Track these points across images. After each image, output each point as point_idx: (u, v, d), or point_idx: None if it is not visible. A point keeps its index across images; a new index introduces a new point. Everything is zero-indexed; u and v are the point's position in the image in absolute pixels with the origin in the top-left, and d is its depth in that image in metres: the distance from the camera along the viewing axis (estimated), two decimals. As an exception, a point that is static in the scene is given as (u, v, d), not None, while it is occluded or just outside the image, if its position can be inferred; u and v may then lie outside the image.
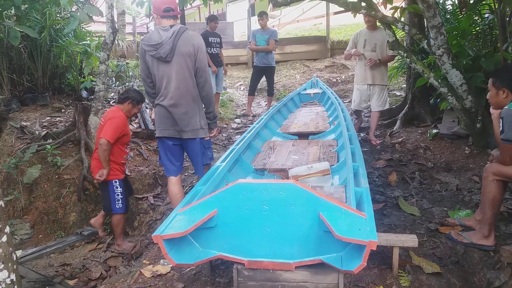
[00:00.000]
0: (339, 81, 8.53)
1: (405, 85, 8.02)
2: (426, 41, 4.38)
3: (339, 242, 2.01)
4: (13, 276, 1.85)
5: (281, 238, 2.09)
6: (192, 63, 2.99)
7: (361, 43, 5.36)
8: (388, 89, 7.98)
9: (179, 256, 2.06)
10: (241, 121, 7.30)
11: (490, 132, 4.40)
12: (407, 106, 6.27)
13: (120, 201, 3.97)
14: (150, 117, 6.57)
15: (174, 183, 3.23)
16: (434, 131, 5.33)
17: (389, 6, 5.03)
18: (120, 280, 2.66)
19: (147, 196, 5.07)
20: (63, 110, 6.91)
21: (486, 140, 4.51)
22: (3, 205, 1.82)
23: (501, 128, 2.51)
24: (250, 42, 7.56)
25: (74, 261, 4.10)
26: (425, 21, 4.23)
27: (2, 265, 1.81)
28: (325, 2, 15.03)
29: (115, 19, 5.31)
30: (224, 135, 6.48)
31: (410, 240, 2.37)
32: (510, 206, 3.14)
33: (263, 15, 7.23)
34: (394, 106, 6.71)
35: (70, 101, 7.16)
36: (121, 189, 4.01)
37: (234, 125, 7.04)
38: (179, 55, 2.94)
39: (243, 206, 2.10)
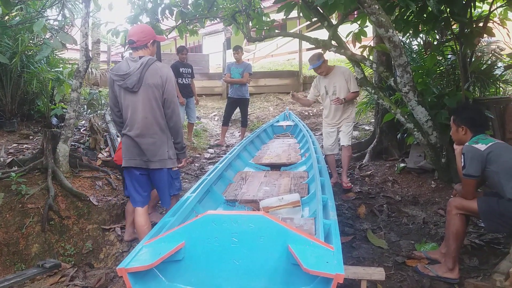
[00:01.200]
0: (311, 114, 8.72)
1: (373, 120, 8.31)
2: (393, 78, 4.58)
3: (308, 275, 2.00)
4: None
5: (250, 272, 2.07)
6: (160, 94, 2.98)
7: (322, 90, 5.20)
8: (357, 123, 8.27)
9: (146, 291, 2.00)
10: (214, 151, 7.30)
11: (454, 166, 4.57)
12: (375, 140, 6.46)
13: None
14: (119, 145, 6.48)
15: (140, 214, 3.16)
16: (402, 165, 5.49)
17: (357, 44, 5.25)
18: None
19: (114, 227, 4.93)
20: (31, 137, 6.74)
21: (451, 175, 4.67)
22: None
23: (462, 164, 2.62)
24: (225, 74, 7.69)
25: (34, 296, 3.90)
26: (392, 59, 4.44)
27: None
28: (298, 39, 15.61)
29: (90, 47, 5.30)
30: (196, 165, 6.45)
31: (377, 273, 2.40)
32: (473, 240, 3.23)
33: (238, 49, 7.40)
34: (363, 140, 6.89)
35: (39, 128, 7.01)
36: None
37: (207, 155, 7.03)
38: (146, 86, 2.94)
39: (212, 238, 2.08)
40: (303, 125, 6.80)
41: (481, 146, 2.58)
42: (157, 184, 3.16)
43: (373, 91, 4.79)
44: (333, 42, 4.78)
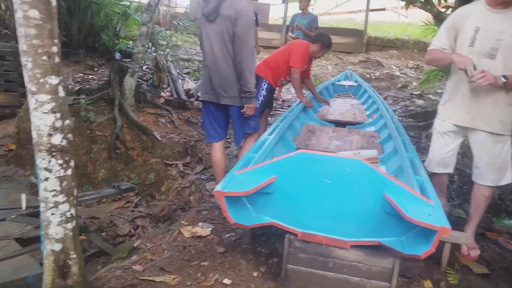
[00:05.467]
0: (373, 77, 8.39)
1: (440, 90, 7.89)
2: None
3: (401, 226, 1.96)
4: (73, 211, 1.83)
5: (340, 214, 2.04)
6: (231, 28, 2.81)
7: (467, 36, 2.44)
8: (422, 92, 7.89)
9: (237, 216, 2.02)
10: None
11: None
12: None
13: (259, 102, 4.00)
14: (182, 87, 6.53)
15: (216, 149, 3.18)
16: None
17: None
18: (159, 237, 2.65)
19: (177, 164, 5.05)
20: (95, 69, 6.90)
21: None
22: (71, 138, 1.78)
23: None
24: (291, 26, 7.42)
25: (101, 216, 4.12)
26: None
27: (65, 198, 1.78)
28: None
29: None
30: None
31: (463, 237, 2.31)
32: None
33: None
34: (430, 109, 6.58)
35: (103, 61, 7.15)
36: (265, 92, 4.16)
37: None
38: (221, 17, 2.83)
39: (304, 176, 2.05)
40: (368, 86, 6.56)
41: None
42: (232, 120, 3.15)
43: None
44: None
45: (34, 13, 1.55)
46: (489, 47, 2.36)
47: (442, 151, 2.69)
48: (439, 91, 7.86)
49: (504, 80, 2.26)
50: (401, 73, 8.63)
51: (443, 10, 4.89)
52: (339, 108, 5.49)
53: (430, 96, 7.60)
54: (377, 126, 4.40)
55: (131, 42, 7.13)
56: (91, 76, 6.64)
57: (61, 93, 1.70)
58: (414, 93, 7.81)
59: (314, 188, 2.05)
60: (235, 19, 2.77)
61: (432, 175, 2.68)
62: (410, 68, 8.85)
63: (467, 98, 2.48)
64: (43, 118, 1.67)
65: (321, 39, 4.57)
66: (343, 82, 7.03)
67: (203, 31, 3.01)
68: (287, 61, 4.32)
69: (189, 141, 5.38)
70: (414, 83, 8.21)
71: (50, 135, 1.69)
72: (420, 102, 7.44)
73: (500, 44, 2.33)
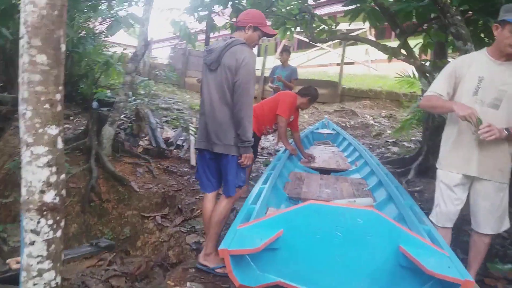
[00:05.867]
0: (348, 126, 8.58)
1: (414, 138, 8.13)
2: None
3: (415, 280, 1.86)
4: (58, 279, 1.62)
5: (351, 270, 1.92)
6: (232, 77, 2.77)
7: (470, 85, 2.45)
8: (397, 140, 8.09)
9: (242, 276, 1.86)
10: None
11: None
12: (421, 157, 6.27)
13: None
14: (161, 135, 6.41)
15: (208, 200, 3.04)
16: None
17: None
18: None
19: (154, 216, 4.81)
20: (71, 118, 6.70)
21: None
22: (64, 194, 1.62)
23: None
24: (272, 77, 7.56)
25: (71, 276, 3.78)
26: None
27: (52, 264, 1.58)
28: (332, 53, 15.54)
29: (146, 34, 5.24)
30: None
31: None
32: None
33: (285, 51, 7.29)
34: (406, 156, 6.71)
35: (79, 110, 6.97)
36: None
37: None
38: (223, 67, 2.81)
39: (313, 229, 1.94)
40: (346, 133, 6.66)
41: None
42: (223, 170, 2.98)
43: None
44: (403, 51, 4.63)
45: (42, 58, 1.44)
46: (492, 97, 2.39)
47: (454, 204, 2.56)
48: (413, 138, 8.10)
49: (506, 133, 2.29)
50: (375, 122, 8.87)
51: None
52: (321, 155, 5.49)
53: (405, 143, 7.79)
54: (363, 173, 4.39)
55: (109, 91, 7.02)
56: (67, 125, 6.42)
57: (60, 145, 1.56)
58: (389, 140, 7.99)
59: (324, 242, 1.93)
60: (236, 69, 2.75)
61: (438, 229, 2.53)
62: (384, 117, 9.13)
63: (472, 147, 2.45)
64: (37, 173, 1.50)
65: (311, 93, 4.70)
66: (321, 130, 7.12)
67: (204, 79, 2.98)
68: (274, 109, 4.32)
69: (168, 191, 5.17)
70: (388, 131, 8.44)
71: (42, 192, 1.52)
72: (395, 149, 7.60)
73: (503, 95, 2.37)
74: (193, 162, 6.04)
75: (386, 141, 7.94)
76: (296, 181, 3.84)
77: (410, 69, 12.47)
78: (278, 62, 7.58)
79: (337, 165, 4.87)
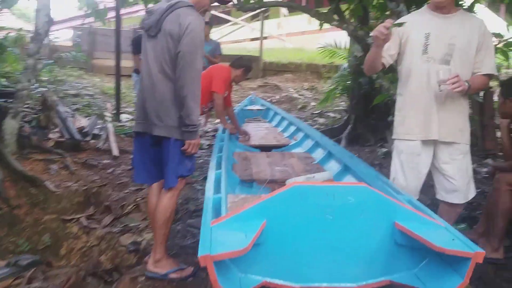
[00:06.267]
0: (274, 100, 8.47)
1: (338, 108, 8.29)
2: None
3: (411, 257, 1.71)
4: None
5: (345, 256, 1.70)
6: (174, 46, 2.32)
7: (418, 43, 2.31)
8: (321, 111, 8.17)
9: (227, 284, 1.52)
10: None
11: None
12: (350, 126, 6.37)
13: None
14: (74, 125, 5.64)
15: (153, 193, 2.59)
16: (384, 149, 5.43)
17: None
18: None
19: (78, 218, 4.19)
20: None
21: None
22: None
23: None
24: None
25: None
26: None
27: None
28: (246, 27, 15.28)
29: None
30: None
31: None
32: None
33: (206, 24, 6.84)
34: (336, 126, 6.78)
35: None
36: None
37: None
38: (163, 33, 2.35)
39: (300, 215, 1.67)
40: (277, 108, 6.51)
41: None
42: (163, 156, 2.47)
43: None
44: (335, 16, 4.50)
45: None
46: (442, 53, 2.25)
47: (419, 175, 2.37)
48: (337, 108, 8.25)
49: (468, 85, 2.16)
50: (299, 95, 8.88)
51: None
52: (257, 133, 5.25)
53: (330, 114, 7.91)
54: (305, 147, 4.25)
55: (4, 79, 5.97)
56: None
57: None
58: (314, 112, 8.05)
59: (313, 228, 1.68)
60: (178, 36, 2.28)
61: None
62: (306, 90, 9.18)
63: (430, 108, 2.29)
64: None
65: (244, 64, 4.41)
66: (250, 107, 6.88)
67: (143, 48, 2.50)
68: (209, 86, 3.94)
69: (91, 187, 4.53)
70: (313, 103, 8.50)
71: None
72: (322, 120, 7.68)
73: (453, 49, 2.23)
74: (115, 152, 5.42)
75: (312, 113, 7.99)
76: (242, 161, 3.55)
77: (323, 40, 12.74)
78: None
79: (277, 141, 4.67)
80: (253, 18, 15.33)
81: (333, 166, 3.31)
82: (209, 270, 1.43)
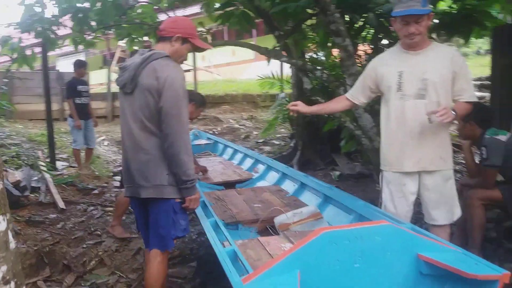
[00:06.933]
0: (216, 132, 8.44)
1: (280, 135, 8.48)
2: (343, 88, 4.67)
3: (435, 284, 1.78)
4: None
5: (377, 293, 1.72)
6: (154, 102, 2.18)
7: (392, 81, 2.45)
8: (265, 139, 8.30)
9: None
10: (121, 178, 6.37)
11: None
12: (299, 152, 6.55)
13: None
14: (7, 180, 5.09)
15: (148, 259, 2.40)
16: (337, 173, 5.65)
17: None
18: None
19: (35, 281, 3.73)
20: None
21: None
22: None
23: (485, 156, 2.75)
24: None
25: None
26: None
27: None
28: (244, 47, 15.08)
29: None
30: (108, 195, 5.48)
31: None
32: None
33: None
34: (285, 153, 6.92)
35: None
36: None
37: (117, 184, 6.07)
38: (141, 88, 2.21)
39: (332, 262, 1.67)
40: (225, 141, 6.49)
41: (502, 137, 2.75)
42: (150, 219, 2.32)
43: (324, 101, 4.82)
44: (284, 53, 4.67)
45: None
46: (416, 88, 2.37)
47: (407, 202, 2.48)
48: (278, 135, 8.45)
49: (454, 114, 2.25)
50: (239, 125, 8.96)
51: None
52: (213, 168, 5.16)
53: (274, 141, 8.06)
54: (271, 180, 4.26)
55: None
56: None
57: (12, 244, 0.91)
58: (258, 141, 8.15)
59: (344, 271, 1.68)
60: (158, 91, 2.15)
61: None
62: (246, 119, 9.31)
63: (404, 144, 2.42)
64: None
65: (193, 98, 4.27)
66: (197, 142, 6.77)
67: (120, 106, 2.36)
68: None
69: (43, 247, 4.10)
70: (255, 132, 8.63)
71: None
72: (267, 148, 7.81)
73: (426, 84, 2.36)
74: (60, 204, 4.99)
75: (257, 142, 8.09)
76: (217, 202, 3.46)
77: (249, 70, 13.02)
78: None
79: (238, 175, 4.62)
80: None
81: (311, 198, 3.35)
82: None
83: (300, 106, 2.68)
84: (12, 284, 0.91)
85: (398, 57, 2.47)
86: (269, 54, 4.62)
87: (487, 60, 12.56)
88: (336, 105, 2.79)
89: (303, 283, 1.63)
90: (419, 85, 2.38)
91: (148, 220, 2.34)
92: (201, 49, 2.45)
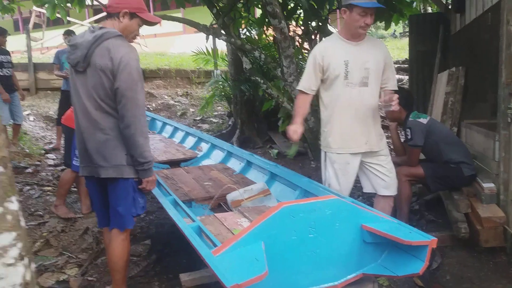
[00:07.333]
0: (151, 109, 8.27)
1: (217, 113, 8.57)
2: (280, 69, 4.90)
3: (374, 251, 2.09)
4: None
5: (326, 260, 1.98)
6: (109, 82, 2.18)
7: (339, 70, 2.65)
8: (202, 117, 8.32)
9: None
10: (55, 156, 6.10)
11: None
12: (237, 131, 6.73)
13: None
14: None
15: (108, 238, 2.44)
16: (275, 151, 5.94)
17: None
18: None
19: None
20: None
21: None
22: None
23: (409, 137, 3.14)
24: (54, 64, 6.44)
25: None
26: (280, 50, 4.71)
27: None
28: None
29: None
30: (48, 174, 5.25)
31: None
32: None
33: (72, 34, 6.32)
34: (224, 131, 7.06)
35: None
36: None
37: (51, 162, 5.83)
38: (94, 68, 2.20)
39: (290, 233, 1.89)
40: (164, 118, 6.45)
41: (423, 120, 3.14)
42: (112, 199, 2.36)
43: (262, 81, 5.01)
44: (223, 31, 4.75)
45: None
46: (360, 77, 2.62)
47: (350, 179, 2.76)
48: (216, 113, 8.53)
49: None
50: (175, 102, 8.87)
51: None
52: (155, 147, 5.16)
53: (212, 119, 8.14)
54: (216, 158, 4.40)
55: None
56: None
57: (23, 223, 0.98)
58: (196, 118, 8.18)
59: (299, 241, 1.91)
60: (112, 72, 2.15)
61: None
62: (181, 96, 9.21)
63: (354, 125, 2.66)
64: (8, 276, 0.91)
65: None
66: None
67: (71, 83, 2.31)
68: None
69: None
70: (191, 109, 8.60)
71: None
72: (205, 126, 7.87)
73: (368, 73, 2.63)
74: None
75: (194, 119, 8.11)
76: (167, 181, 3.54)
77: (187, 44, 12.73)
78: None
79: (182, 154, 4.68)
80: (98, 21, 14.54)
81: (257, 175, 3.56)
82: (239, 299, 1.54)
83: (299, 130, 2.68)
84: (26, 259, 0.97)
85: (342, 47, 2.68)
86: (208, 31, 4.68)
87: (403, 43, 13.68)
88: (307, 105, 2.81)
89: (267, 252, 1.83)
90: (362, 74, 2.64)
91: (106, 200, 2.38)
92: (151, 23, 2.43)
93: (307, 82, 2.74)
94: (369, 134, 2.72)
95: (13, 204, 0.94)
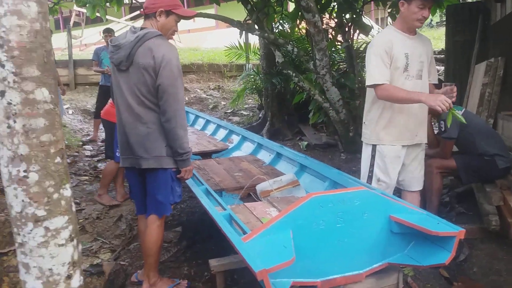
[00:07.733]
0: (185, 103, 8.46)
1: (247, 105, 8.65)
2: (312, 62, 4.90)
3: (403, 242, 2.09)
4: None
5: (353, 249, 2.01)
6: (152, 80, 2.32)
7: (401, 62, 2.59)
8: (233, 109, 8.42)
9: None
10: (92, 147, 6.37)
11: (358, 139, 5.24)
12: (268, 123, 6.78)
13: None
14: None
15: (143, 223, 2.61)
16: (305, 142, 5.95)
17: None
18: None
19: (14, 249, 3.81)
20: None
21: (356, 147, 5.33)
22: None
23: (443, 129, 3.09)
24: (93, 61, 6.71)
25: None
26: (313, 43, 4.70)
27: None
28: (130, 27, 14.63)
29: None
30: (85, 164, 5.51)
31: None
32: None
33: (110, 32, 6.55)
34: (254, 124, 7.13)
35: None
36: None
37: (88, 153, 6.09)
38: (136, 66, 2.34)
39: (318, 222, 1.93)
40: (197, 111, 6.59)
41: (458, 113, 3.08)
42: (149, 187, 2.51)
43: (294, 74, 5.03)
44: (257, 26, 4.79)
45: (43, 93, 0.93)
46: (417, 69, 2.61)
47: (396, 174, 2.72)
48: (247, 106, 8.61)
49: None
50: (207, 95, 9.01)
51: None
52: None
53: (242, 112, 8.23)
54: (246, 150, 4.47)
55: None
56: None
57: (73, 208, 1.07)
58: (227, 111, 8.29)
59: (329, 231, 1.94)
60: (155, 70, 2.29)
61: None
62: (213, 90, 9.35)
63: (410, 118, 2.64)
64: (60, 254, 1.01)
65: None
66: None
67: (114, 81, 2.45)
68: None
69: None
70: (223, 103, 8.72)
71: (69, 277, 1.04)
72: (236, 118, 7.97)
73: (422, 66, 2.63)
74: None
75: (225, 112, 8.22)
76: (199, 171, 3.64)
77: (211, 38, 12.82)
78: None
79: (214, 146, 4.79)
80: (134, 19, 14.94)
81: (287, 167, 3.60)
82: (265, 283, 1.61)
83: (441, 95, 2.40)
84: (75, 241, 1.07)
85: (401, 40, 2.61)
86: (242, 27, 4.74)
87: (439, 32, 13.25)
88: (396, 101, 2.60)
89: (295, 240, 1.88)
90: (418, 67, 2.63)
91: (145, 189, 2.52)
92: (187, 17, 2.53)
93: (383, 75, 2.55)
94: (420, 126, 2.72)
95: (67, 191, 1.03)
